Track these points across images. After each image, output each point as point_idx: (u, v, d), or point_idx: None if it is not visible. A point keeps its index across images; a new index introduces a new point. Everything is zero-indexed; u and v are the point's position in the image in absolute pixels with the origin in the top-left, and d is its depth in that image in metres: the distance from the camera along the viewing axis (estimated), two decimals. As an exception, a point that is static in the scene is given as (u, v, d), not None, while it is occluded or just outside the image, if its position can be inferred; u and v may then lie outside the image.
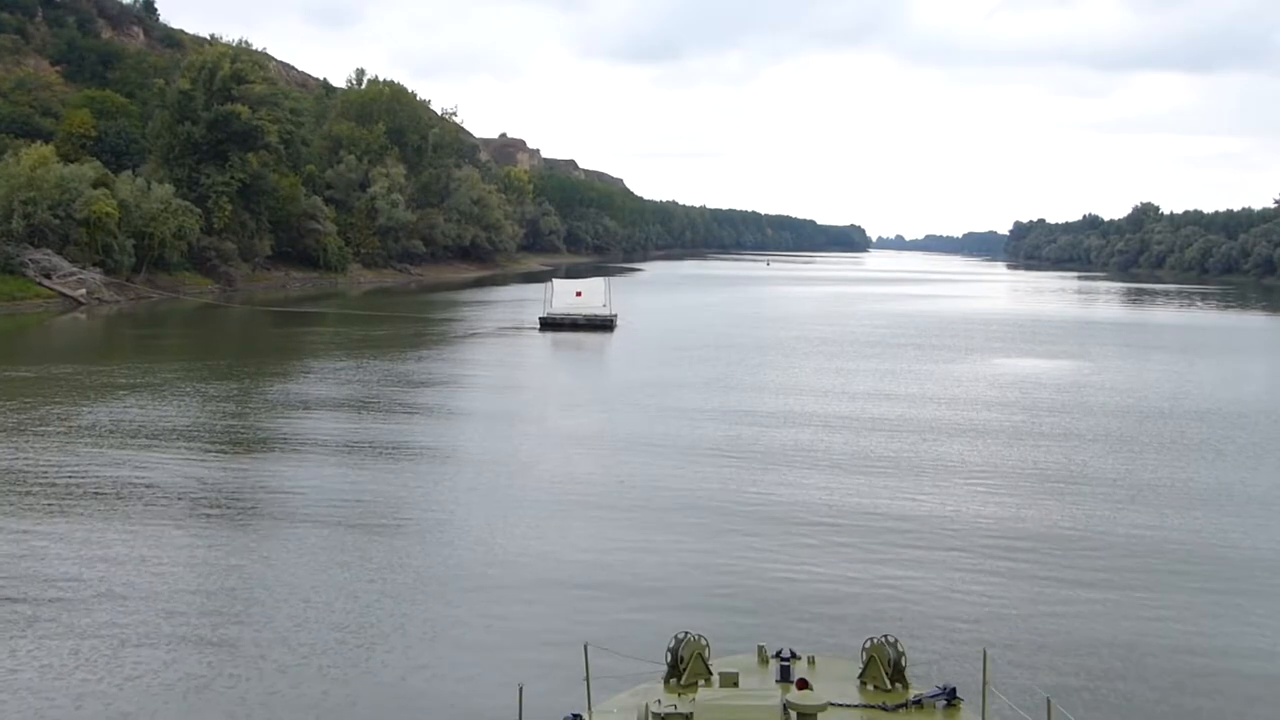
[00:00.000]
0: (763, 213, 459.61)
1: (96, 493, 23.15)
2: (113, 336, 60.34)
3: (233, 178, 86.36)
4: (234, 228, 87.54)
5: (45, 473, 24.79)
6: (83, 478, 24.37)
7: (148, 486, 23.69)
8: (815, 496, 24.12)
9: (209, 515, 21.75)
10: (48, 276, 69.13)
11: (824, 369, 47.44)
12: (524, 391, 40.80)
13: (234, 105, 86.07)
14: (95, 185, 73.26)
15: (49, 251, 70.30)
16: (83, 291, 69.18)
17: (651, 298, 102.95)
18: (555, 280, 71.85)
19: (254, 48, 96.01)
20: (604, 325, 64.42)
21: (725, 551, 19.87)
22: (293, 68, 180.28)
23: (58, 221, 70.60)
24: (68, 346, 55.46)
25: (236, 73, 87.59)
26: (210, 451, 27.65)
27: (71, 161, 76.65)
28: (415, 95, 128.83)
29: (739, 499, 23.66)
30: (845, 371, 46.61)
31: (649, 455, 27.75)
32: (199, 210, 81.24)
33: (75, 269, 70.14)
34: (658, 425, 32.03)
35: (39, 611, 16.13)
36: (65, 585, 17.27)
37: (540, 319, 64.54)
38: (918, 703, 8.22)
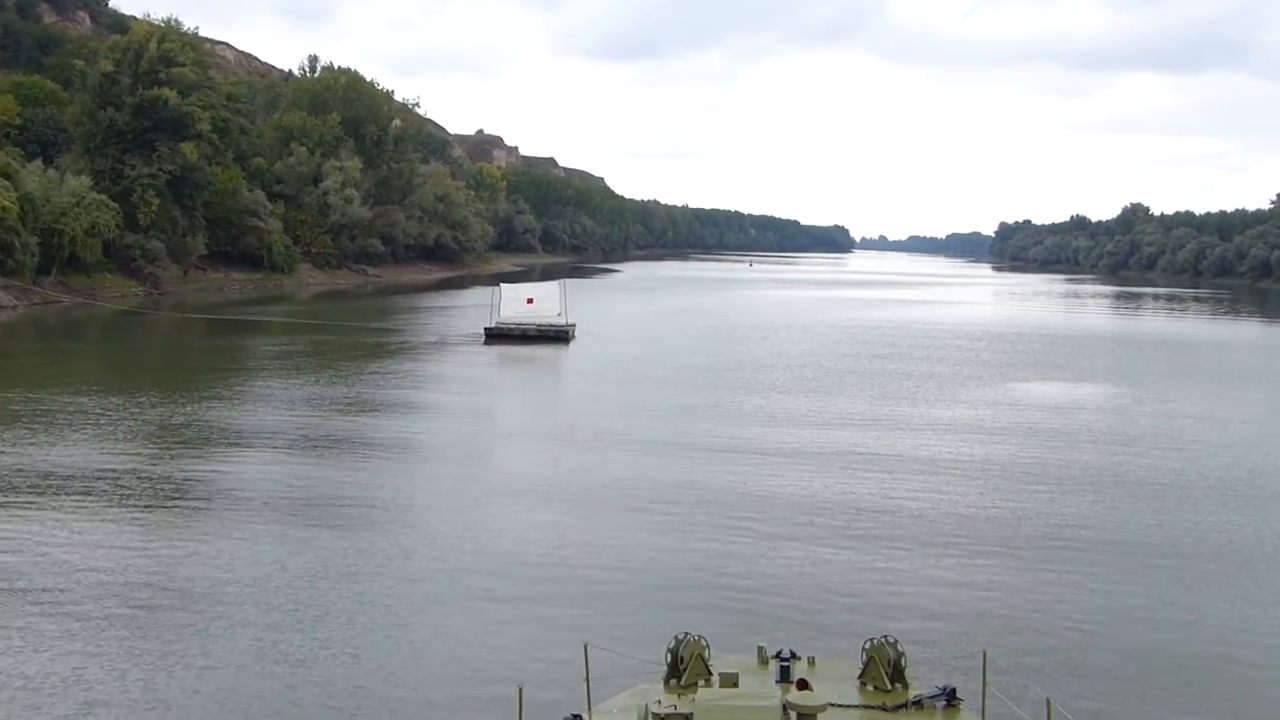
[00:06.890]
0: (746, 213, 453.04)
1: None
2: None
3: (161, 169, 78.65)
4: (163, 224, 79.88)
5: None
6: None
7: None
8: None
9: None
10: (-66, 279, 61.67)
11: (800, 413, 37.02)
12: (418, 455, 29.59)
13: (162, 90, 78.33)
14: (-6, 177, 65.92)
15: (-64, 251, 62.89)
16: (-26, 296, 61.76)
17: (623, 303, 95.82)
18: (504, 285, 64.02)
19: (185, 27, 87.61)
20: (558, 336, 56.94)
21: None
22: (255, 58, 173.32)
23: (-53, 217, 63.25)
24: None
25: (165, 54, 79.75)
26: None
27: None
28: (375, 84, 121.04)
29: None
30: (827, 419, 35.86)
31: (556, 591, 18.23)
32: (116, 205, 73.50)
33: (-34, 270, 62.75)
34: (578, 526, 22.07)
35: None
36: None
37: (485, 329, 56.94)
38: (918, 703, 8.18)
